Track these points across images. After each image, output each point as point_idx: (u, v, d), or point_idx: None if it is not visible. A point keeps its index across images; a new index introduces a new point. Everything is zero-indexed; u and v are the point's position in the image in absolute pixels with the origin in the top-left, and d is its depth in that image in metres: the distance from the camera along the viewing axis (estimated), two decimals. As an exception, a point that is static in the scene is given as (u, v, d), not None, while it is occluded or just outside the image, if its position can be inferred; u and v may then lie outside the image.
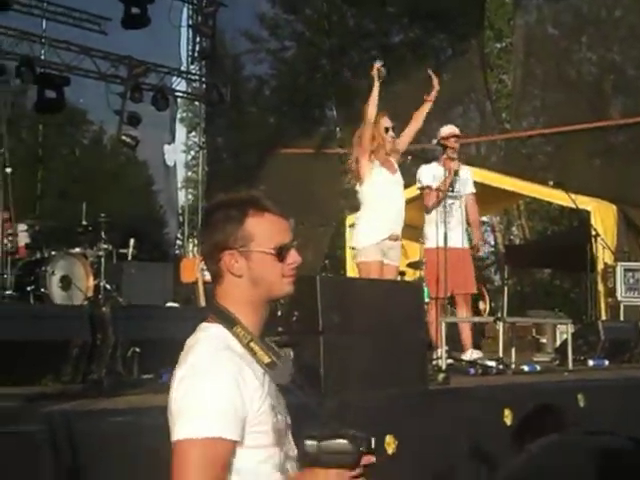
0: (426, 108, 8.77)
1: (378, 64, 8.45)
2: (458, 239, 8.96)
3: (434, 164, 9.14)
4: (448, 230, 8.55)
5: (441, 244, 8.42)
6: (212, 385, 2.34)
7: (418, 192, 9.23)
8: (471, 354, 8.68)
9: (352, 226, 9.40)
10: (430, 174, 9.02)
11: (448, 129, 9.27)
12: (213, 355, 2.41)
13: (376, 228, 8.13)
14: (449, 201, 8.86)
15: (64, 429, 4.17)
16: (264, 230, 2.53)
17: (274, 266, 2.53)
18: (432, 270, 8.69)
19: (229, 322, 2.49)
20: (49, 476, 4.04)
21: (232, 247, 2.52)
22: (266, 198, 2.61)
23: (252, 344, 2.46)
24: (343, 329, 5.49)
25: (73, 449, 4.12)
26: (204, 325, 2.54)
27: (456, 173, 8.98)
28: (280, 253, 2.53)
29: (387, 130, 8.36)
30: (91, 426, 4.40)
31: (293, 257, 2.56)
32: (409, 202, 14.56)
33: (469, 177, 9.33)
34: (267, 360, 2.46)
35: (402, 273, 13.09)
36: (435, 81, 8.77)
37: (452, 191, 8.96)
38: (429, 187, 8.92)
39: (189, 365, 2.41)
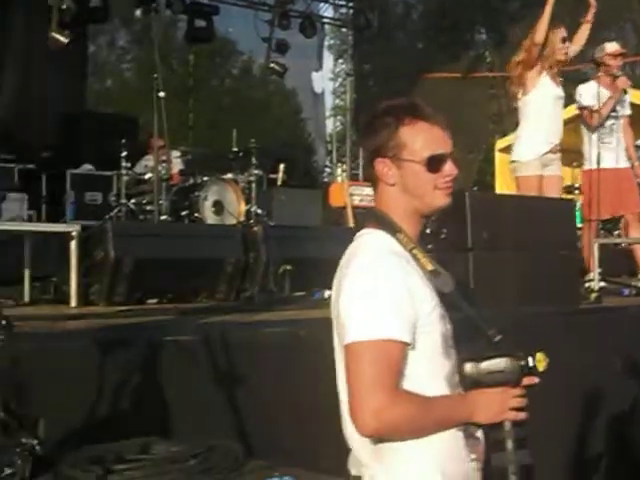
0: (585, 30, 8.49)
1: None
2: (620, 159, 8.74)
3: (592, 83, 8.84)
4: (608, 151, 8.44)
5: (601, 165, 8.30)
6: (383, 286, 2.32)
7: (571, 114, 8.98)
8: None
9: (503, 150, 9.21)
10: (591, 94, 8.73)
11: (613, 46, 8.95)
12: (381, 257, 2.39)
13: (539, 141, 7.99)
14: (610, 121, 8.63)
15: (219, 339, 4.31)
16: (418, 139, 2.47)
17: (426, 176, 2.47)
18: (589, 191, 8.51)
19: (392, 228, 2.46)
20: (205, 383, 4.18)
21: (385, 155, 2.49)
22: (426, 106, 2.54)
23: (415, 251, 2.42)
24: (493, 246, 5.46)
25: (228, 358, 4.25)
26: (367, 230, 2.52)
27: (625, 92, 8.70)
28: (433, 163, 2.46)
29: (564, 40, 8.12)
30: (245, 336, 4.53)
31: (448, 168, 2.48)
32: (564, 124, 14.31)
33: (627, 98, 9.04)
34: (431, 267, 2.41)
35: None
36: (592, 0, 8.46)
37: (614, 111, 8.70)
38: (590, 107, 8.65)
39: (357, 266, 2.40)
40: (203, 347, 4.26)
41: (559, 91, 8.17)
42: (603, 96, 8.56)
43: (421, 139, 2.48)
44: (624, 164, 8.78)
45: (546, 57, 7.99)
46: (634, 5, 17.80)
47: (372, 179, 2.56)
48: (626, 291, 7.85)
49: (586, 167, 8.71)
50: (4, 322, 2.89)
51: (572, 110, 13.13)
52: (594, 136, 8.61)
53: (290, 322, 4.94)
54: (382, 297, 2.31)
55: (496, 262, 5.48)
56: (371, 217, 2.55)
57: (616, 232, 12.69)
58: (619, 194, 8.48)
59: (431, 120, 2.50)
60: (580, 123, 8.82)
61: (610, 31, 18.37)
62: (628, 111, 8.99)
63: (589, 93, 8.66)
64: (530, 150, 7.97)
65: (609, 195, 8.38)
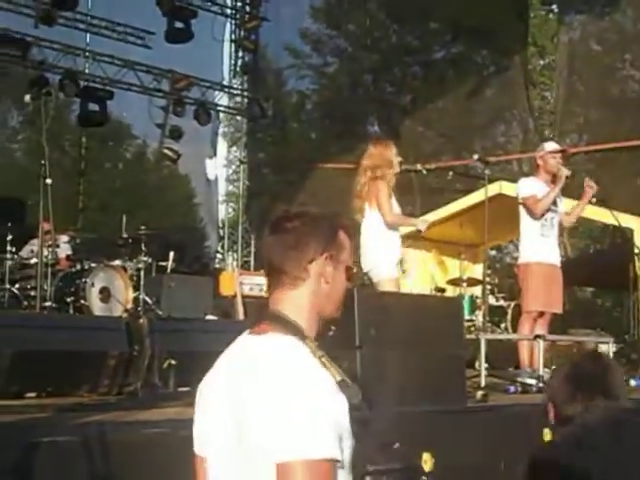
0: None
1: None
2: (554, 255, 8.92)
3: (532, 178, 9.05)
4: (547, 245, 8.67)
5: (541, 258, 8.54)
6: (317, 401, 2.21)
7: (455, 210, 9.17)
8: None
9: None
10: (533, 185, 8.91)
11: (551, 145, 9.24)
12: (308, 369, 2.28)
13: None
14: (550, 215, 8.82)
15: (98, 440, 4.16)
16: (347, 245, 2.50)
17: (344, 283, 2.49)
18: (531, 283, 8.66)
19: (301, 333, 2.36)
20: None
21: (330, 252, 2.45)
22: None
23: (324, 359, 2.32)
24: (381, 343, 5.43)
25: (107, 460, 4.10)
26: (273, 334, 2.38)
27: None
28: (349, 272, 2.50)
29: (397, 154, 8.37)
30: (125, 437, 4.38)
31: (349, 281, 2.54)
32: (448, 219, 14.60)
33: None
34: (339, 378, 2.32)
35: (442, 290, 13.08)
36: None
37: (555, 205, 8.90)
38: (534, 196, 8.80)
39: (282, 379, 2.25)
40: (81, 448, 4.10)
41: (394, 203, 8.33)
42: (542, 189, 8.76)
43: (348, 247, 2.50)
44: (556, 261, 8.94)
45: (387, 175, 8.16)
46: (520, 102, 18.36)
47: (295, 276, 2.44)
48: (512, 388, 7.89)
49: (524, 259, 8.83)
50: None
51: (458, 205, 13.42)
52: (534, 229, 8.77)
53: (172, 422, 4.80)
54: (318, 413, 2.20)
55: (384, 360, 5.45)
56: (273, 319, 2.42)
57: (502, 325, 12.91)
58: (549, 290, 8.64)
59: (349, 232, 2.55)
60: (524, 213, 8.90)
61: (497, 128, 18.91)
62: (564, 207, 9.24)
63: (531, 185, 8.84)
64: (391, 255, 8.13)
65: (541, 289, 8.54)
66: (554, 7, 22.02)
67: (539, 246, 8.66)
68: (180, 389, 6.67)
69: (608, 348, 9.50)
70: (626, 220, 12.27)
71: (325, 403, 2.21)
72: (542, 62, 25.11)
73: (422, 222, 8.43)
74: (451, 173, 13.70)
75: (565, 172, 8.76)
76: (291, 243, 2.43)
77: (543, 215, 8.72)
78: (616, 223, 10.52)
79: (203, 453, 2.48)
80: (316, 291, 2.44)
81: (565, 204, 9.10)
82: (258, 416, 2.23)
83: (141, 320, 7.22)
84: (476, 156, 9.22)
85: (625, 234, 13.30)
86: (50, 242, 9.56)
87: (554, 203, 8.84)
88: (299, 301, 2.43)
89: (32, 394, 6.33)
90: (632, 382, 8.75)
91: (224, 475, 2.37)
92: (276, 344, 2.35)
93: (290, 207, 2.53)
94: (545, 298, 8.67)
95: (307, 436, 2.17)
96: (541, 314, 8.78)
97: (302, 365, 2.28)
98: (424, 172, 8.94)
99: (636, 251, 11.81)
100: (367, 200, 8.11)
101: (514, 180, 11.23)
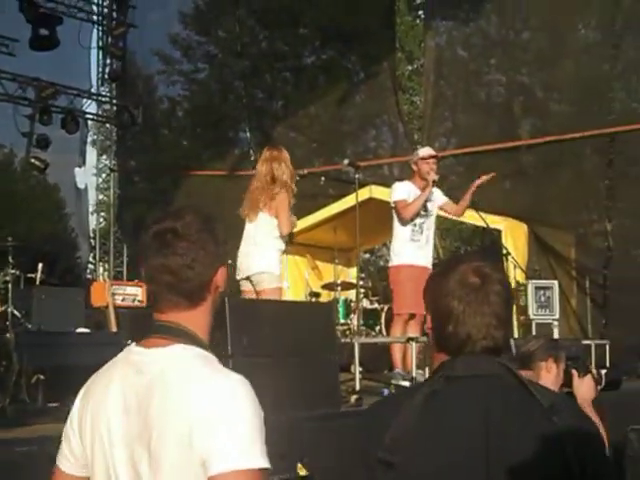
0: (465, 205, 9.47)
1: None
2: (425, 257, 9.05)
3: (407, 182, 9.21)
4: (417, 249, 8.91)
5: (407, 261, 8.77)
6: (256, 411, 2.18)
7: (328, 215, 9.20)
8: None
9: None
10: (404, 190, 9.05)
11: (425, 150, 9.41)
12: (239, 378, 2.24)
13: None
14: (420, 220, 8.97)
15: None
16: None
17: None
18: (401, 286, 8.76)
19: (203, 345, 2.31)
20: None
21: (224, 261, 2.38)
22: None
23: None
24: (252, 352, 5.42)
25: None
26: (182, 346, 2.28)
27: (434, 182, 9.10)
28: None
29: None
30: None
31: None
32: (321, 224, 14.68)
33: (437, 197, 9.41)
34: None
35: (317, 294, 13.12)
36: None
37: (425, 210, 9.03)
38: (405, 201, 8.93)
39: (221, 388, 2.18)
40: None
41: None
42: (415, 195, 8.91)
43: None
44: (427, 264, 9.07)
45: (287, 180, 8.19)
46: (390, 108, 18.57)
47: (198, 296, 2.33)
48: (386, 391, 7.97)
49: (394, 263, 8.96)
50: None
51: (330, 210, 13.53)
52: (404, 233, 8.89)
53: (41, 439, 4.69)
54: (253, 421, 2.17)
55: (257, 368, 5.43)
56: (173, 332, 2.29)
57: (377, 328, 13.04)
58: (420, 292, 8.73)
59: None
60: (396, 217, 9.03)
61: (367, 133, 19.09)
62: (444, 199, 9.40)
63: (403, 190, 8.99)
64: (278, 263, 8.13)
65: (410, 292, 8.65)
66: (420, 13, 22.43)
67: (409, 250, 8.84)
68: (49, 404, 6.52)
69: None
70: (495, 221, 12.57)
71: (259, 413, 2.18)
72: (410, 67, 25.59)
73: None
74: (323, 178, 13.81)
75: (433, 177, 8.95)
76: (187, 262, 2.29)
77: (412, 219, 8.88)
78: (485, 225, 10.76)
79: (80, 472, 2.38)
80: (214, 302, 2.37)
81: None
82: (197, 427, 2.14)
83: (8, 335, 7.04)
84: (346, 161, 9.35)
85: (494, 235, 13.59)
86: None
87: (424, 208, 9.00)
88: (200, 319, 2.35)
89: None
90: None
91: None
92: (194, 354, 2.27)
93: (164, 214, 2.39)
94: (415, 300, 8.81)
95: (250, 446, 2.14)
96: (412, 316, 8.91)
97: (231, 375, 2.23)
98: (297, 178, 8.98)
99: (504, 251, 12.10)
100: (264, 206, 8.07)
101: (385, 184, 11.39)
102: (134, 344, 2.37)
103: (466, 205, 9.40)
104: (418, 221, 8.98)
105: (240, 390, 2.20)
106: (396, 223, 9.06)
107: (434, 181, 8.99)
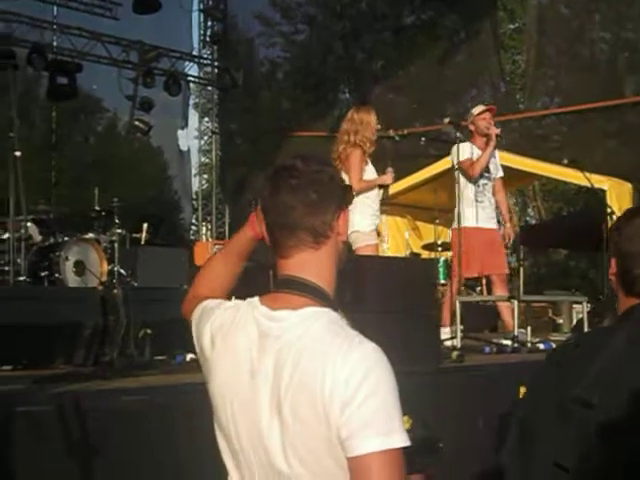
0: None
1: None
2: (490, 220, 8.97)
3: (467, 143, 9.04)
4: (480, 210, 8.73)
5: (474, 223, 8.62)
6: (394, 383, 2.08)
7: (429, 175, 9.11)
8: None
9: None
10: (468, 150, 8.92)
11: (478, 108, 9.23)
12: (374, 347, 2.12)
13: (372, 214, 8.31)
14: (483, 181, 8.86)
15: (73, 409, 4.15)
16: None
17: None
18: (463, 249, 8.63)
19: (333, 305, 2.22)
20: (59, 456, 4.02)
21: (345, 205, 2.29)
22: None
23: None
24: (354, 307, 5.44)
25: (82, 429, 4.10)
26: (314, 310, 2.18)
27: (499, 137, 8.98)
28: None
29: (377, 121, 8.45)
30: (102, 405, 4.38)
31: None
32: (421, 184, 14.61)
33: (498, 161, 9.29)
34: None
35: (417, 255, 13.09)
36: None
37: (487, 172, 8.93)
38: (470, 159, 8.82)
39: (359, 360, 2.07)
40: (56, 418, 4.10)
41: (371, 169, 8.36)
42: (478, 154, 8.81)
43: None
44: (493, 225, 9.01)
45: (366, 141, 8.18)
46: (491, 67, 18.34)
47: (323, 234, 2.23)
48: (487, 349, 7.96)
49: (457, 225, 8.82)
50: None
51: (431, 170, 13.42)
52: (469, 194, 8.79)
53: (148, 389, 4.82)
54: (392, 395, 2.06)
55: (359, 323, 5.46)
56: (303, 289, 2.21)
57: (478, 288, 12.97)
58: (487, 254, 8.71)
59: None
60: (458, 177, 8.89)
61: (468, 93, 18.90)
62: (501, 173, 9.25)
63: (466, 149, 8.86)
64: (368, 221, 8.15)
65: (478, 254, 8.59)
66: (523, -30, 22.02)
67: (474, 212, 8.69)
68: (156, 358, 6.68)
69: (582, 308, 9.58)
70: (599, 181, 12.33)
71: (395, 385, 2.09)
72: (512, 26, 25.14)
73: (387, 175, 8.43)
74: (423, 139, 13.71)
75: (495, 130, 8.82)
76: (314, 199, 2.21)
77: (480, 178, 8.79)
78: (589, 184, 10.56)
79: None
80: (338, 250, 2.28)
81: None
82: (335, 403, 2.03)
83: (115, 290, 7.20)
84: (447, 119, 9.23)
85: (598, 195, 13.35)
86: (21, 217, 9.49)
87: (487, 170, 8.88)
88: (323, 263, 2.25)
89: (7, 367, 6.31)
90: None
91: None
92: (328, 320, 2.17)
93: (283, 163, 2.29)
94: (484, 262, 8.79)
95: (391, 423, 2.02)
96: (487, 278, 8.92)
97: (369, 345, 2.12)
98: (396, 138, 8.95)
99: (609, 211, 11.87)
100: (342, 165, 8.11)
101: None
102: (257, 300, 2.28)
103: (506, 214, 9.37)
104: (481, 182, 8.86)
105: (378, 362, 2.09)
106: (461, 185, 8.91)
107: (498, 135, 8.86)
